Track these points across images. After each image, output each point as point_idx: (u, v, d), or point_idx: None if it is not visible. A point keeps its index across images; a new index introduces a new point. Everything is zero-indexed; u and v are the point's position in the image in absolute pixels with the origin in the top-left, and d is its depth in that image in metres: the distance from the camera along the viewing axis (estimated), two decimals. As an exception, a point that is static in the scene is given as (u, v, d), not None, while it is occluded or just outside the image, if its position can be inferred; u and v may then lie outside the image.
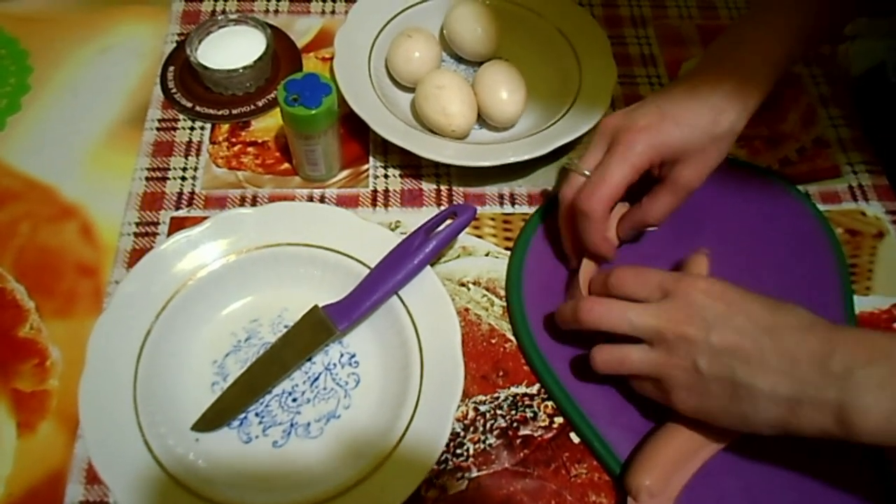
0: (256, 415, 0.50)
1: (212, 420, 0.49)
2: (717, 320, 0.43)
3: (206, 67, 0.62)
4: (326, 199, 0.60)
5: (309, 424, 0.50)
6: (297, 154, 0.58)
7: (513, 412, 0.51)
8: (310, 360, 0.52)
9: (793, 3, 0.52)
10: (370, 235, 0.54)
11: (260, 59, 0.63)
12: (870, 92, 0.70)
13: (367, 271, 0.52)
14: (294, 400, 0.50)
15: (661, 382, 0.46)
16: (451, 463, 0.49)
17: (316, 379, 0.51)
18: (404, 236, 0.53)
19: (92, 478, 0.48)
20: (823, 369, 0.40)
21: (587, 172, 0.51)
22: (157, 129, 0.64)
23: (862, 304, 0.57)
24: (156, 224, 0.58)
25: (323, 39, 0.71)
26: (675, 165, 0.51)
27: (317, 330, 0.50)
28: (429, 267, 0.52)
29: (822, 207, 0.62)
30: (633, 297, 0.47)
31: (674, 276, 0.47)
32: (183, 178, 0.61)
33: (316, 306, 0.51)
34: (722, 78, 0.50)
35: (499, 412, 0.51)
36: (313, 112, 0.53)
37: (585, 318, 0.47)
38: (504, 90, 0.60)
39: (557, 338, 0.53)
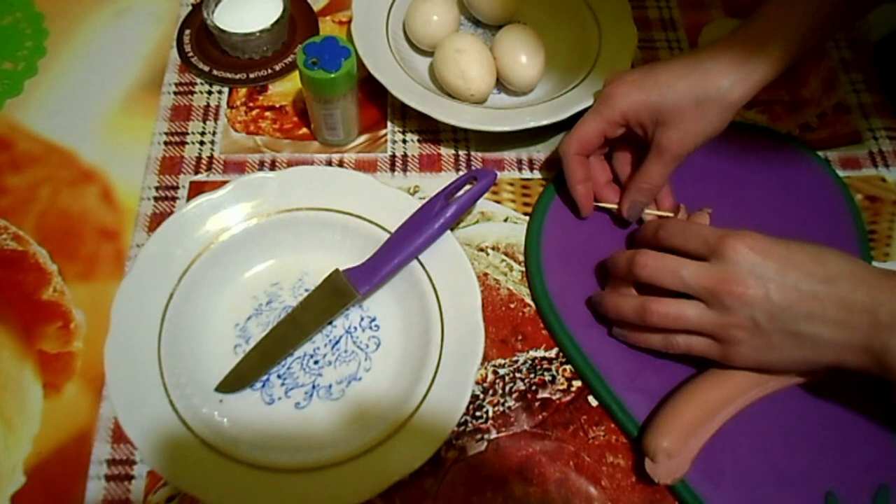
0: (279, 377, 0.50)
1: (235, 382, 0.50)
2: (772, 278, 0.44)
3: (223, 31, 0.62)
4: (345, 164, 0.60)
5: (330, 386, 0.50)
6: (316, 118, 0.58)
7: (531, 375, 0.52)
8: (330, 323, 0.52)
9: None
10: (390, 200, 0.54)
11: (277, 22, 0.63)
12: (889, 57, 0.69)
13: (387, 236, 0.53)
14: (315, 362, 0.51)
15: (718, 340, 0.47)
16: (470, 425, 0.50)
17: (337, 342, 0.52)
18: (424, 201, 0.53)
19: (118, 437, 0.49)
20: (873, 319, 0.42)
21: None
22: (175, 93, 0.64)
23: (880, 270, 0.57)
24: (175, 188, 0.59)
25: (339, 2, 0.71)
26: (658, 128, 0.51)
27: (338, 294, 0.51)
28: (449, 232, 0.53)
29: (841, 173, 0.61)
30: (680, 250, 0.48)
31: (718, 232, 0.47)
32: (201, 143, 0.61)
33: (337, 270, 0.52)
34: (727, 47, 0.50)
35: (518, 375, 0.52)
36: (333, 75, 0.53)
37: (639, 272, 0.48)
38: (523, 54, 0.60)
39: (576, 302, 0.54)
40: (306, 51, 0.54)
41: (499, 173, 0.60)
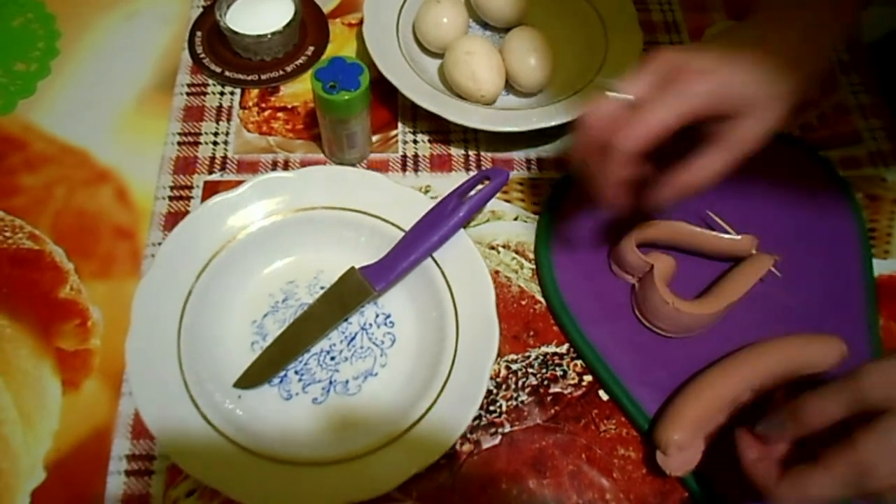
0: (296, 372, 0.51)
1: (253, 378, 0.50)
2: None
3: (235, 33, 0.63)
4: (357, 164, 0.61)
5: (347, 382, 0.51)
6: (335, 140, 0.58)
7: (543, 370, 0.53)
8: (346, 320, 0.53)
9: None
10: (404, 199, 0.55)
11: (288, 24, 0.64)
12: (884, 59, 0.71)
13: (401, 234, 0.54)
14: (332, 358, 0.52)
15: None
16: (485, 419, 0.51)
17: (353, 338, 0.53)
18: (437, 200, 0.54)
19: (138, 432, 0.50)
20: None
21: (630, 97, 0.44)
22: (187, 94, 0.65)
23: (881, 267, 0.59)
24: (190, 188, 0.59)
25: (348, 5, 0.71)
26: (733, 121, 0.45)
27: (354, 291, 0.52)
28: (462, 230, 0.54)
29: (842, 173, 0.63)
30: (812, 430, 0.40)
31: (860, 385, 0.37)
32: (215, 143, 0.62)
33: (353, 268, 0.52)
34: (793, 27, 0.45)
35: (530, 371, 0.53)
36: (356, 94, 0.53)
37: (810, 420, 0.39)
38: (532, 56, 0.61)
39: (586, 299, 0.55)
40: (319, 77, 0.53)
41: (509, 173, 0.61)
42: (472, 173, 0.60)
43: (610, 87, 0.45)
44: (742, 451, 0.43)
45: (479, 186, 0.55)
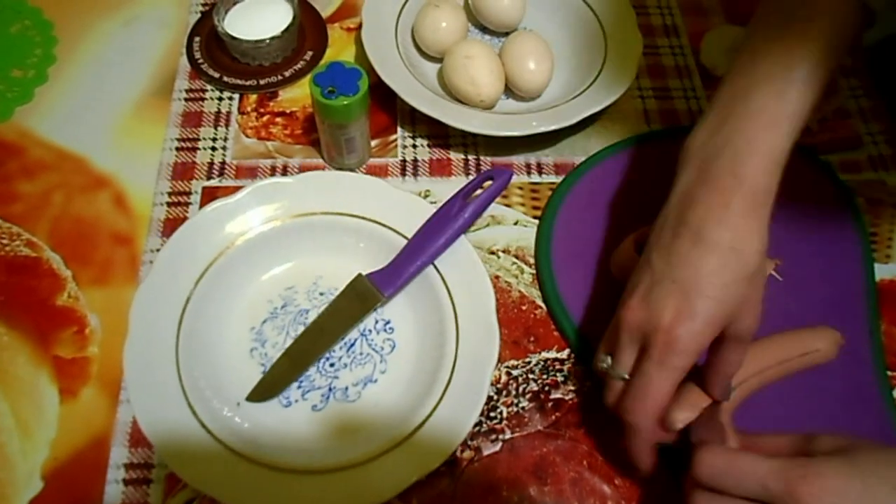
0: (295, 380, 0.51)
1: (267, 390, 0.50)
2: None
3: (233, 38, 0.63)
4: (356, 169, 0.61)
5: (347, 389, 0.51)
6: (334, 145, 0.58)
7: (544, 376, 0.53)
8: (356, 327, 0.53)
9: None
10: (403, 204, 0.55)
11: (287, 29, 0.63)
12: (883, 62, 0.71)
13: (400, 239, 0.53)
14: (331, 365, 0.52)
15: None
16: (485, 425, 0.51)
17: (352, 344, 0.52)
18: (437, 205, 0.54)
19: (136, 441, 0.49)
20: None
21: (626, 376, 0.44)
22: (185, 99, 0.64)
23: (882, 271, 0.58)
24: (188, 194, 0.59)
25: (347, 10, 0.71)
26: (728, 325, 0.43)
27: (362, 298, 0.52)
28: (462, 235, 0.53)
29: (842, 177, 0.62)
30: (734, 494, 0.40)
31: (780, 473, 0.38)
32: (213, 149, 0.61)
33: (360, 275, 0.52)
34: (725, 200, 0.42)
35: (531, 376, 0.53)
36: (354, 98, 0.53)
37: None
38: (532, 60, 0.61)
39: (587, 304, 0.54)
40: (318, 82, 0.53)
41: (509, 175, 0.61)
42: (471, 178, 0.60)
43: (610, 370, 0.45)
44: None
45: (479, 191, 0.55)
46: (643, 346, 0.43)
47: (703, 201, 0.42)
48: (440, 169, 0.61)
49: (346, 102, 0.53)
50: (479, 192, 0.54)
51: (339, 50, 0.69)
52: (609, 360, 0.46)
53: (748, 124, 0.43)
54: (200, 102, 0.64)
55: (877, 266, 0.58)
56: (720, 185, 0.42)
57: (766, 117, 0.42)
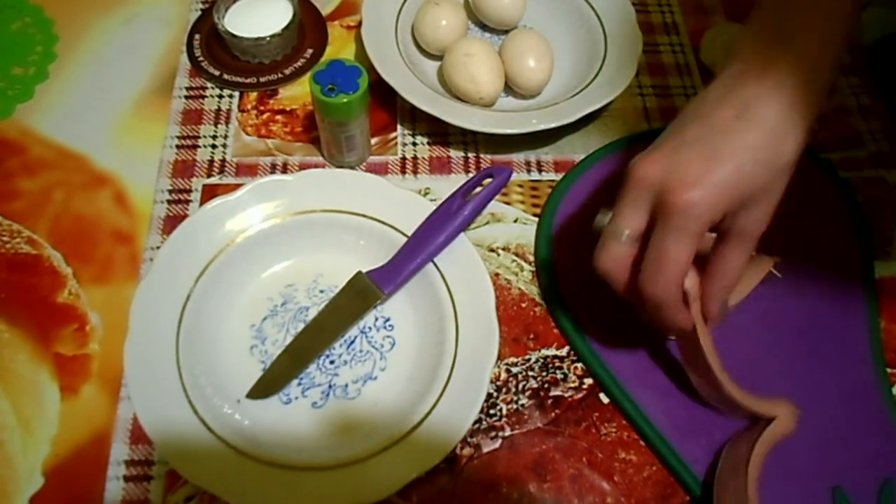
0: (295, 378, 0.51)
1: (267, 387, 0.50)
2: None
3: (234, 35, 0.63)
4: (356, 167, 0.61)
5: (346, 386, 0.51)
6: (334, 143, 0.58)
7: (544, 374, 0.53)
8: (356, 324, 0.53)
9: None
10: (403, 202, 0.55)
11: (287, 27, 0.63)
12: (883, 61, 0.71)
13: (400, 237, 0.53)
14: (331, 362, 0.52)
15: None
16: (485, 422, 0.51)
17: (352, 342, 0.52)
18: (437, 202, 0.54)
19: (136, 437, 0.49)
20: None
21: (627, 233, 0.42)
22: (186, 97, 0.64)
23: (882, 269, 0.58)
24: (188, 191, 0.59)
25: (347, 8, 0.71)
26: (739, 212, 0.41)
27: (362, 295, 0.52)
28: (462, 233, 0.53)
29: (843, 175, 0.62)
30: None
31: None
32: (213, 146, 0.62)
33: (360, 272, 0.52)
34: (776, 87, 0.41)
35: (530, 374, 0.53)
36: (354, 96, 0.53)
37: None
38: (531, 58, 0.61)
39: (586, 302, 0.54)
40: (318, 80, 0.53)
41: (509, 173, 0.61)
42: (471, 175, 0.60)
43: (609, 229, 0.43)
44: None
45: (478, 189, 0.55)
46: (654, 210, 0.41)
47: (756, 79, 0.41)
48: (440, 167, 0.61)
49: (346, 100, 0.53)
50: (478, 189, 0.54)
51: (339, 48, 0.69)
52: (608, 216, 0.43)
53: (805, 14, 0.42)
54: (201, 100, 0.64)
55: (876, 263, 0.58)
56: (776, 65, 0.41)
57: (821, 9, 0.42)
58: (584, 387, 0.52)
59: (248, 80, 0.65)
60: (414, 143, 0.63)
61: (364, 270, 0.52)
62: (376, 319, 0.53)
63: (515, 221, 0.59)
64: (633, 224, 0.42)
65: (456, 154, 0.62)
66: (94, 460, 0.49)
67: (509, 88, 0.64)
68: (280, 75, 0.65)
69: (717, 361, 0.46)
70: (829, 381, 0.52)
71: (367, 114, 0.57)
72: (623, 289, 0.44)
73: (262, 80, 0.65)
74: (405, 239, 0.53)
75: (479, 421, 0.51)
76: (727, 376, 0.47)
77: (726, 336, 0.52)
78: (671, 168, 0.40)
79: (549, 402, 0.52)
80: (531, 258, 0.57)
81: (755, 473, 0.45)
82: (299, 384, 0.51)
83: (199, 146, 0.62)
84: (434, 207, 0.54)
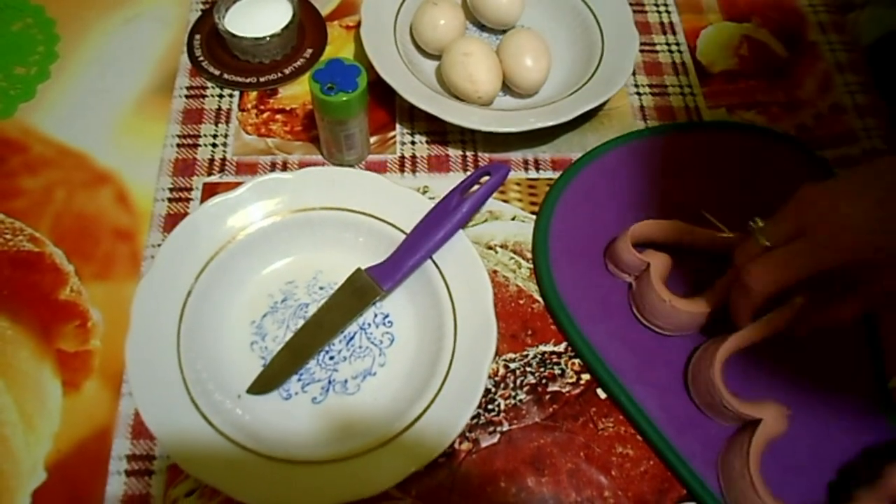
0: (295, 373, 0.51)
1: (266, 383, 0.50)
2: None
3: (234, 35, 0.63)
4: (355, 166, 0.61)
5: (346, 381, 0.51)
6: (334, 141, 0.58)
7: (542, 369, 0.53)
8: (355, 321, 0.54)
9: None
10: (402, 199, 0.55)
11: (287, 27, 0.64)
12: (881, 60, 0.71)
13: (399, 234, 0.54)
14: (331, 358, 0.52)
15: None
16: (483, 417, 0.51)
17: (351, 338, 0.53)
18: (435, 200, 0.55)
19: (138, 433, 0.50)
20: None
21: (767, 244, 0.46)
22: (186, 96, 0.65)
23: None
24: (189, 190, 0.60)
25: (346, 8, 0.72)
26: (876, 272, 0.45)
27: (361, 292, 0.52)
28: (460, 230, 0.54)
29: (838, 172, 0.63)
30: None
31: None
32: (214, 145, 0.62)
33: (359, 269, 0.53)
34: None
35: (528, 369, 0.53)
36: (353, 95, 0.53)
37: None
38: (529, 57, 0.61)
39: (583, 298, 0.55)
40: (317, 78, 0.54)
41: (507, 171, 0.61)
42: (469, 173, 0.60)
43: (757, 232, 0.47)
44: None
45: (479, 184, 0.55)
46: (804, 229, 0.44)
47: None
48: (438, 165, 0.62)
49: (345, 99, 0.53)
50: (476, 187, 0.55)
51: (339, 47, 0.69)
52: (761, 224, 0.47)
53: None
54: (201, 99, 0.65)
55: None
56: None
57: None
58: (582, 382, 0.53)
59: (248, 80, 0.65)
60: (413, 142, 0.63)
61: (363, 267, 0.53)
62: (375, 316, 0.54)
63: (513, 219, 0.59)
64: (777, 235, 0.46)
65: (454, 153, 0.63)
66: (96, 455, 0.49)
67: (507, 88, 0.64)
68: (280, 75, 0.66)
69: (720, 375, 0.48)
70: (824, 370, 0.52)
71: (366, 112, 0.57)
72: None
73: (262, 79, 0.66)
74: (404, 236, 0.54)
75: (477, 416, 0.51)
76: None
77: (722, 331, 0.53)
78: (833, 205, 0.43)
79: (547, 397, 0.52)
80: (529, 255, 0.58)
81: (756, 469, 0.46)
82: (299, 380, 0.51)
83: (199, 145, 0.62)
84: (432, 205, 0.54)
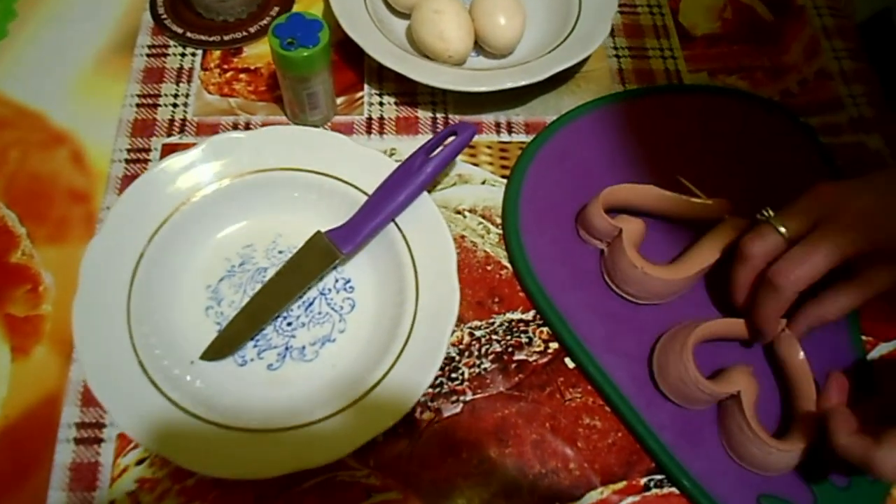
0: (251, 338, 0.50)
1: (221, 348, 0.49)
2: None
3: (197, -8, 0.61)
4: (321, 126, 0.59)
5: (304, 348, 0.50)
6: (298, 101, 0.56)
7: (508, 337, 0.51)
8: (313, 286, 0.52)
9: None
10: (366, 161, 0.53)
11: (252, -17, 0.62)
12: (875, 38, 0.69)
13: (363, 196, 0.52)
14: (289, 324, 0.50)
15: None
16: (446, 386, 0.50)
17: (311, 304, 0.51)
18: (401, 162, 0.53)
19: (88, 400, 0.48)
20: None
21: (782, 230, 0.46)
22: (147, 55, 0.63)
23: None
24: (147, 151, 0.57)
25: (315, -34, 0.69)
26: (876, 261, 0.46)
27: (321, 255, 0.50)
28: (425, 193, 0.52)
29: (823, 139, 0.61)
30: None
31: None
32: (174, 105, 0.60)
33: (319, 232, 0.51)
34: None
35: (494, 337, 0.51)
36: (314, 50, 0.51)
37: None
38: (502, 16, 0.59)
39: (553, 265, 0.53)
40: (277, 33, 0.51)
41: (477, 136, 0.59)
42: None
43: (771, 220, 0.47)
44: (834, 431, 0.43)
45: (444, 145, 0.53)
46: (818, 222, 0.45)
47: None
48: (407, 127, 0.60)
49: (305, 54, 0.51)
50: (441, 148, 0.53)
51: (307, 6, 0.67)
52: (773, 213, 0.47)
53: None
54: (163, 58, 0.62)
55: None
56: None
57: None
58: (550, 351, 0.51)
59: (212, 39, 0.63)
60: (381, 104, 0.61)
61: (323, 230, 0.51)
62: (336, 281, 0.52)
63: (483, 183, 0.57)
64: (793, 225, 0.46)
65: (424, 114, 0.60)
66: (45, 423, 0.48)
67: (480, 48, 0.62)
68: (245, 33, 0.63)
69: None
70: (805, 347, 0.50)
71: (329, 71, 0.55)
72: (752, 275, 0.47)
73: (227, 38, 0.63)
74: (366, 198, 0.52)
75: (440, 385, 0.49)
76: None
77: (696, 300, 0.52)
78: (847, 195, 0.46)
79: (513, 366, 0.50)
80: (498, 221, 0.56)
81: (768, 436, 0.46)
82: (255, 346, 0.49)
83: (159, 105, 0.60)
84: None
